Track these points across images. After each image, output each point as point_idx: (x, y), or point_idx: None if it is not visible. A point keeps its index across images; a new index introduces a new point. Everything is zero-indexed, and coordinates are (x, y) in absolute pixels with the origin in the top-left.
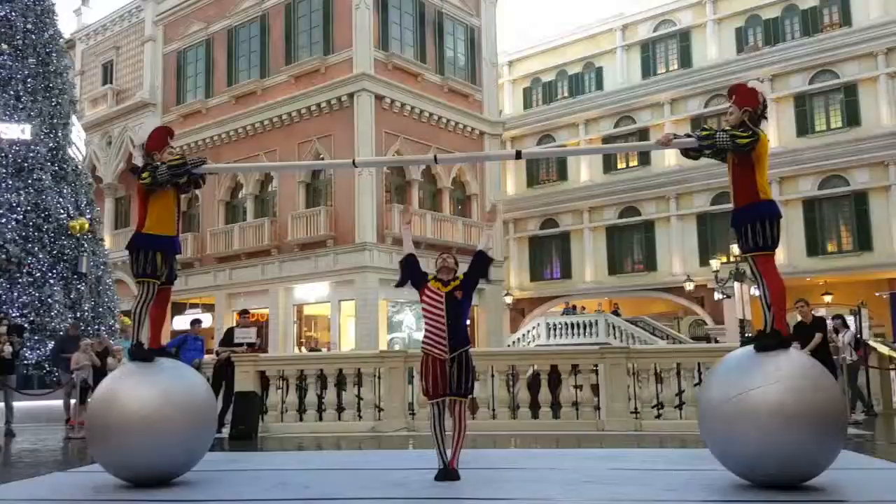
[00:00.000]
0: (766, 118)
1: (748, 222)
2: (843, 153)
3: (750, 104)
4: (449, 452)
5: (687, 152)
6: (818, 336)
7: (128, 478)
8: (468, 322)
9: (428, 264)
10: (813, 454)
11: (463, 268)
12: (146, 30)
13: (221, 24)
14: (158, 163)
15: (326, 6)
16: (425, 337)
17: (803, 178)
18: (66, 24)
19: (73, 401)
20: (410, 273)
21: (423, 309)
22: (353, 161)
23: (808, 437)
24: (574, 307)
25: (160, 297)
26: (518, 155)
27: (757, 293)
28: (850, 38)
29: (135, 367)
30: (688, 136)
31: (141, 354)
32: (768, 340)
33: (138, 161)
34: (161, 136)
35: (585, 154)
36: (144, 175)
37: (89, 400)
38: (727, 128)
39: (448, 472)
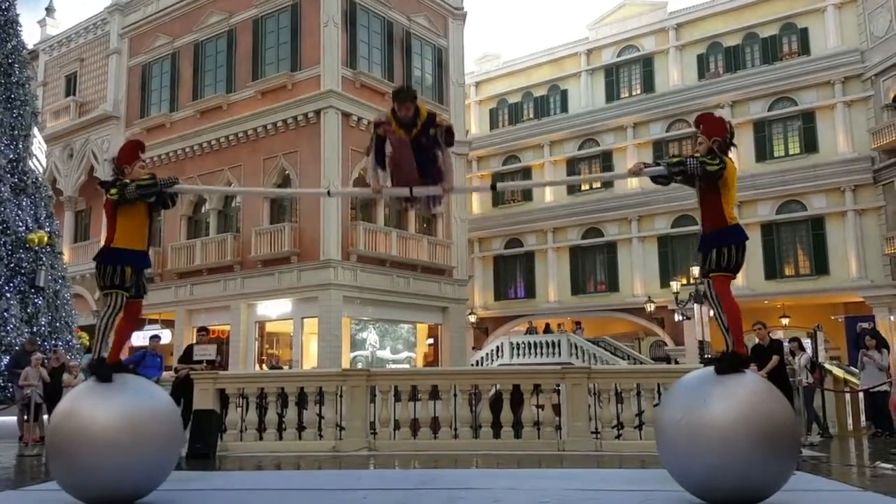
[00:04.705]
0: (734, 145)
1: (715, 247)
2: (801, 179)
3: (718, 134)
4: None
5: (657, 179)
6: (775, 358)
7: (86, 498)
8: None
9: (393, 282)
10: (767, 472)
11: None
12: (111, 42)
13: (188, 39)
14: (127, 179)
15: (294, 23)
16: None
17: (762, 203)
18: (30, 35)
19: (25, 417)
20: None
21: (388, 154)
22: (328, 191)
23: (762, 455)
24: (538, 328)
25: (130, 311)
26: (493, 187)
27: (712, 314)
28: (808, 66)
29: (98, 383)
30: (657, 163)
31: (101, 373)
32: (728, 362)
33: (107, 175)
34: (132, 150)
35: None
36: (113, 191)
37: (44, 417)
38: (697, 155)
39: None
